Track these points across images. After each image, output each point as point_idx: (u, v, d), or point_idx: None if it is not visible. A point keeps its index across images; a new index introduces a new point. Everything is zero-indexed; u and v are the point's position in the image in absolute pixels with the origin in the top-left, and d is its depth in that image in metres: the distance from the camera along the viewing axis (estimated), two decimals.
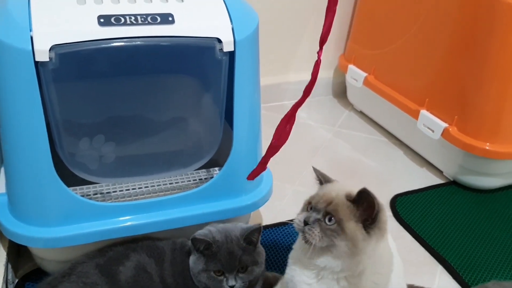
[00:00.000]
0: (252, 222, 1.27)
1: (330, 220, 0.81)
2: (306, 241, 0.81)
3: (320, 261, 0.83)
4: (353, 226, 0.81)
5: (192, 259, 0.96)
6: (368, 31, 1.74)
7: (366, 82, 1.72)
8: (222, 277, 0.93)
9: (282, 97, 1.94)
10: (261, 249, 0.99)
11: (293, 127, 1.76)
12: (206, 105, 1.04)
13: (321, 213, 0.82)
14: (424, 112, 1.48)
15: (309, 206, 0.86)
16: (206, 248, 0.93)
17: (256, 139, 1.08)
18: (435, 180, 1.50)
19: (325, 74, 1.99)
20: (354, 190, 0.84)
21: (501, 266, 1.18)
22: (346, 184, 0.89)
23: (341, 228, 0.80)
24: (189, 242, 0.97)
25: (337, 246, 0.80)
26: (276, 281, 1.06)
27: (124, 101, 0.98)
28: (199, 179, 1.13)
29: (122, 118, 1.00)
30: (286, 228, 1.26)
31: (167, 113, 1.02)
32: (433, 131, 1.45)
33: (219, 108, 1.01)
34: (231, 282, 0.93)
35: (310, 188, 1.41)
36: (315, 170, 0.94)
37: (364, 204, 0.82)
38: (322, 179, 0.92)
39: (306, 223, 0.82)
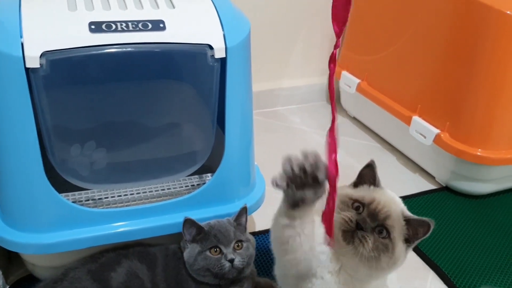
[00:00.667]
0: None
1: (381, 232, 0.80)
2: (354, 245, 0.79)
3: (345, 261, 0.81)
4: (401, 246, 0.81)
5: (186, 252, 0.96)
6: (361, 37, 1.75)
7: (359, 89, 1.73)
8: (220, 255, 0.94)
9: (276, 103, 1.95)
10: (251, 236, 1.02)
11: (287, 132, 1.78)
12: (198, 111, 1.04)
13: (376, 222, 0.80)
14: (416, 118, 1.49)
15: (355, 205, 0.83)
16: (198, 233, 0.95)
17: (248, 145, 1.09)
18: (428, 186, 1.51)
19: (319, 80, 2.00)
20: (405, 208, 0.84)
21: (492, 272, 1.18)
22: (394, 195, 0.86)
23: (392, 245, 0.79)
24: (182, 244, 0.98)
25: (380, 261, 0.79)
26: (268, 286, 1.07)
27: (115, 107, 0.98)
28: (192, 185, 1.13)
29: (113, 124, 1.00)
30: None
31: (158, 119, 1.02)
32: (425, 137, 1.45)
33: (211, 114, 1.01)
34: (230, 255, 0.94)
35: None
36: (372, 166, 0.89)
37: (415, 229, 0.81)
38: (377, 182, 0.88)
39: (359, 226, 0.80)
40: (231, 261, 0.93)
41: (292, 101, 1.97)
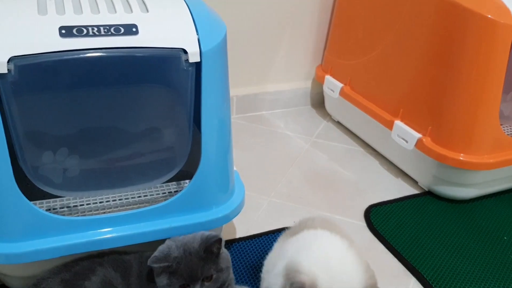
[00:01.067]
0: (225, 233, 1.26)
1: None
2: None
3: None
4: None
5: (155, 278, 0.93)
6: (344, 42, 1.74)
7: (342, 93, 1.72)
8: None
9: (260, 107, 1.94)
10: (225, 254, 0.97)
11: (271, 137, 1.77)
12: (174, 116, 1.03)
13: None
14: (398, 123, 1.48)
15: None
16: (166, 267, 0.91)
17: (226, 150, 1.07)
18: (410, 191, 1.50)
19: (303, 85, 1.99)
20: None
21: (474, 278, 1.17)
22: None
23: None
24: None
25: None
26: None
27: (89, 114, 0.96)
28: (169, 192, 1.11)
29: (87, 131, 0.98)
30: (260, 240, 1.24)
31: (133, 125, 1.00)
32: (407, 142, 1.44)
33: (187, 119, 1.00)
34: None
35: (285, 200, 1.42)
36: None
37: None
38: None
39: None
40: None
41: (276, 105, 1.96)
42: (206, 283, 0.92)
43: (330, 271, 0.76)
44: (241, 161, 1.58)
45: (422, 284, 1.15)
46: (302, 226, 1.00)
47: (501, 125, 1.36)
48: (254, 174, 1.54)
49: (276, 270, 0.85)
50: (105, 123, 0.98)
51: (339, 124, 1.87)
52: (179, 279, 0.91)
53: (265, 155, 1.66)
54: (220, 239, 0.94)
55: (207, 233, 0.97)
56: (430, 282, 1.15)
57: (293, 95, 1.98)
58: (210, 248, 0.93)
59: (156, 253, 0.92)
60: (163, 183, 1.12)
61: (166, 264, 0.90)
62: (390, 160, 1.62)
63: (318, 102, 2.02)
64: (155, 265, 0.91)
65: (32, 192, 0.94)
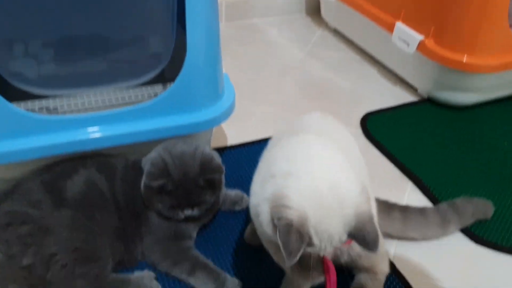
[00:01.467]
0: (216, 141, 1.21)
1: None
2: None
3: None
4: None
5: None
6: None
7: None
8: (177, 209, 0.89)
9: (251, 14, 1.84)
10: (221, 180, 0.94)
11: (264, 45, 1.69)
12: (154, 11, 0.94)
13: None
14: (399, 25, 1.39)
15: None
16: (162, 185, 0.87)
17: (214, 49, 0.99)
18: (409, 98, 1.44)
19: None
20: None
21: (472, 183, 1.13)
22: None
23: None
24: (142, 163, 0.90)
25: None
26: (239, 199, 1.03)
27: (63, 10, 0.87)
28: (154, 94, 1.05)
29: (62, 26, 0.89)
30: (251, 147, 1.20)
31: (112, 20, 0.92)
32: (408, 45, 1.36)
33: (170, 12, 0.91)
34: (187, 212, 0.89)
35: (278, 109, 1.36)
36: None
37: None
38: None
39: None
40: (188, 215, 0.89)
41: (268, 12, 1.86)
42: (197, 207, 0.90)
43: (320, 202, 0.66)
44: (232, 70, 1.50)
45: (420, 187, 1.11)
46: (300, 124, 0.91)
47: (510, 26, 1.28)
48: (246, 82, 1.47)
49: (265, 193, 0.75)
50: (82, 19, 0.89)
51: (335, 32, 1.78)
52: (172, 201, 0.88)
53: (258, 64, 1.59)
54: (223, 170, 0.90)
55: (206, 151, 0.92)
56: (428, 186, 1.11)
57: (287, 1, 1.87)
58: (211, 180, 0.89)
59: (151, 169, 0.88)
60: (148, 84, 1.05)
61: (163, 182, 0.86)
62: (388, 68, 1.55)
63: (313, 10, 1.91)
64: (153, 183, 0.86)
65: (10, 95, 0.87)
